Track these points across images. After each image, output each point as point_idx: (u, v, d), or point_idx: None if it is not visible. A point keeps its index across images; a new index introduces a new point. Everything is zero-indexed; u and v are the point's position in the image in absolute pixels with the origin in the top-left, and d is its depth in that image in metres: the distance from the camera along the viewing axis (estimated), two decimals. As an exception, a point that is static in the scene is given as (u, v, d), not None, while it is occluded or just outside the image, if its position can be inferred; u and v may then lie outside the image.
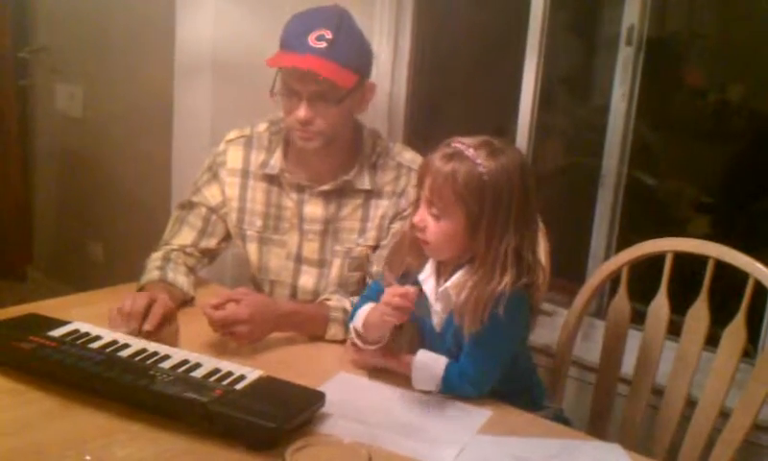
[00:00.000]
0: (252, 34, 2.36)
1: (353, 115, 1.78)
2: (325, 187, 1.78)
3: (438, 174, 1.41)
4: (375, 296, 1.52)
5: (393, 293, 1.42)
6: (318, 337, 1.68)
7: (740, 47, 2.50)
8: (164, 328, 1.56)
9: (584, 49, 2.68)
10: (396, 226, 1.77)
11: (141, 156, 3.10)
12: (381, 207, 1.79)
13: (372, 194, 1.79)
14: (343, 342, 1.67)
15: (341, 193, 1.79)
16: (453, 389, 1.47)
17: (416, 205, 1.50)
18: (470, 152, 1.41)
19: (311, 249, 1.82)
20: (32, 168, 3.76)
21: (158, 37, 2.72)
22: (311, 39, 1.64)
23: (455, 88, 2.95)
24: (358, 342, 1.53)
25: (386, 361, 1.53)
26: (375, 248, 1.80)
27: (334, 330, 1.68)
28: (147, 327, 1.53)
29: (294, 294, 1.85)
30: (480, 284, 1.41)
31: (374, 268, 1.78)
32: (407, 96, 2.81)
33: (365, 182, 1.78)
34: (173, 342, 1.56)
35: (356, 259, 1.81)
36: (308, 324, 1.69)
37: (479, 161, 1.40)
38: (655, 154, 2.56)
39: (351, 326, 1.56)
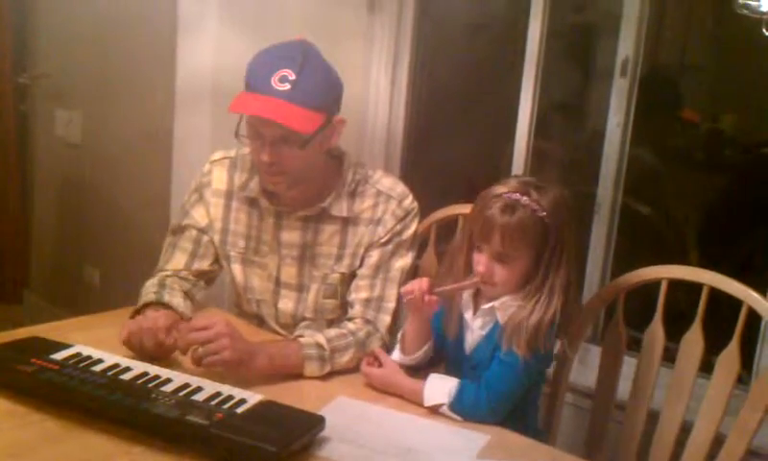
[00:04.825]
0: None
1: (323, 151, 1.75)
2: (302, 213, 1.78)
3: (506, 228, 1.50)
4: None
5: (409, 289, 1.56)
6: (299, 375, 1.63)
7: (733, 79, 2.54)
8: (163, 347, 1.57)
9: (579, 79, 2.72)
10: (375, 256, 1.77)
11: (140, 182, 3.11)
12: (358, 235, 1.78)
13: (349, 221, 1.78)
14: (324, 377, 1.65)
15: (318, 219, 1.79)
16: (464, 403, 1.50)
17: (466, 252, 1.58)
18: (525, 199, 1.50)
19: (289, 273, 1.82)
20: (30, 193, 3.76)
21: (159, 65, 2.74)
22: (274, 81, 1.60)
23: (452, 118, 2.98)
24: (398, 353, 1.65)
25: (400, 381, 1.58)
26: (351, 276, 1.80)
27: (311, 368, 1.63)
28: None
29: (276, 315, 1.86)
30: (536, 312, 1.50)
31: (353, 296, 1.78)
32: (405, 126, 2.83)
33: (342, 210, 1.77)
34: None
35: (331, 286, 1.81)
36: (281, 356, 1.62)
37: (536, 206, 1.50)
38: (649, 183, 2.59)
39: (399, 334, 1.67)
